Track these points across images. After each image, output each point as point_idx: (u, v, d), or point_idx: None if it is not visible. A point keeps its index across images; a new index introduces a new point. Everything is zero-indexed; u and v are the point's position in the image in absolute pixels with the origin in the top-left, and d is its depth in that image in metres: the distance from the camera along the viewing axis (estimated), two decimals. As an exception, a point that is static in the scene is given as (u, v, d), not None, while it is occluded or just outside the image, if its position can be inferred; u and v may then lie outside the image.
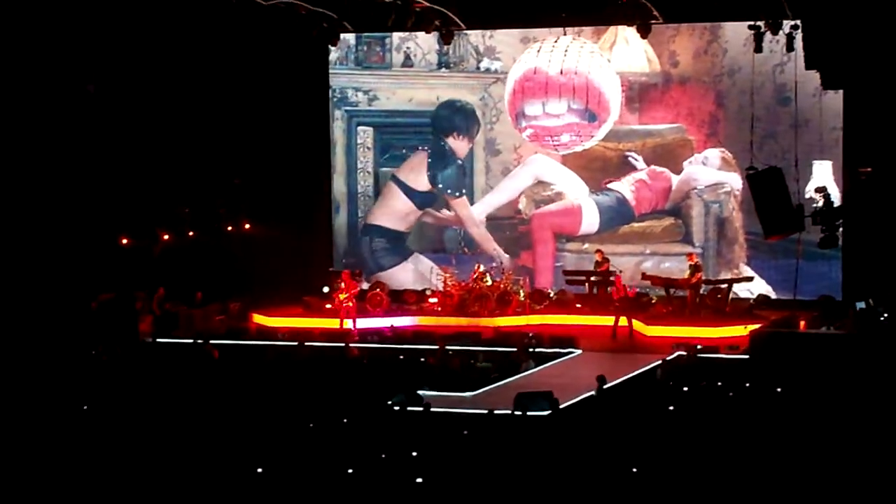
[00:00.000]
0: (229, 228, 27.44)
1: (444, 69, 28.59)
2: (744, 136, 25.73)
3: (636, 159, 27.35)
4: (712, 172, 26.86)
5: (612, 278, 25.52)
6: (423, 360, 20.83)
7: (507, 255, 28.00)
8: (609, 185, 27.58)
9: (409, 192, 28.65)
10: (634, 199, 27.36)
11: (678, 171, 27.07)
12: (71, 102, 25.11)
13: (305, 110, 28.43)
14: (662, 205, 27.33)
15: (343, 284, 24.82)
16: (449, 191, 28.47)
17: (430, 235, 28.76)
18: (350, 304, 24.64)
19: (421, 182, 28.56)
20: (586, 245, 27.57)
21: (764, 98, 26.11)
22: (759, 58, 24.26)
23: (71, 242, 24.68)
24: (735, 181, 26.39)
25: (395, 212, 28.78)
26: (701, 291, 24.84)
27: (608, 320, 24.76)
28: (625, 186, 27.45)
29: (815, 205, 20.59)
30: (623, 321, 24.05)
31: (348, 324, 24.50)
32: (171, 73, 26.05)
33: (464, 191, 28.39)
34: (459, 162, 28.35)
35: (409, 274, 28.59)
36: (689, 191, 27.03)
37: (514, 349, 21.43)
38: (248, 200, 27.72)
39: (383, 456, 13.20)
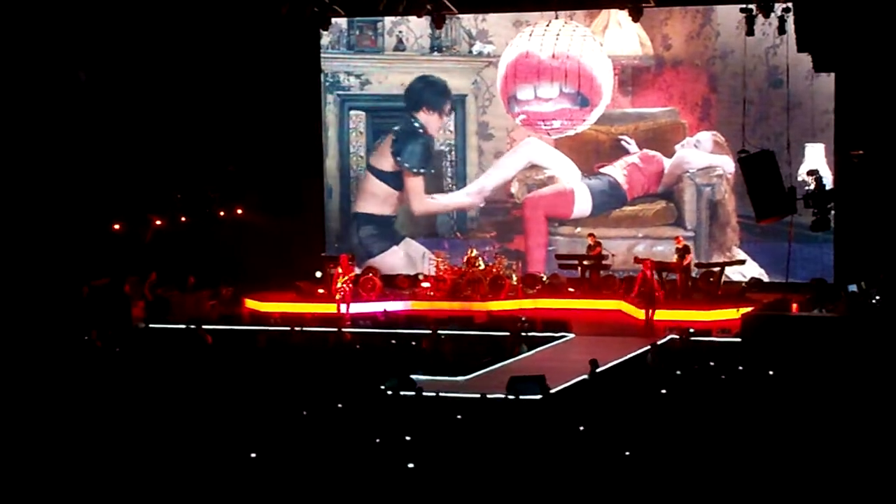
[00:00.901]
0: (221, 213, 27.41)
1: (436, 53, 28.54)
2: (736, 119, 25.63)
3: (629, 143, 27.34)
4: (704, 156, 26.87)
5: (604, 260, 25.46)
6: (413, 343, 20.84)
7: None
8: (601, 170, 27.58)
9: (381, 175, 28.73)
10: (627, 182, 27.36)
11: (671, 155, 27.08)
12: (62, 89, 25.03)
13: (297, 95, 28.35)
14: (655, 188, 27.34)
15: (340, 269, 24.80)
16: (407, 165, 28.47)
17: (419, 219, 28.74)
18: (347, 287, 24.63)
19: (387, 164, 28.66)
20: (579, 229, 27.58)
21: (757, 81, 26.13)
22: (751, 40, 24.24)
23: (63, 228, 24.64)
24: (727, 164, 26.40)
25: (374, 197, 28.82)
26: (692, 274, 24.86)
27: (601, 304, 24.76)
28: (617, 170, 27.45)
29: (807, 188, 20.59)
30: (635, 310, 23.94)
31: (345, 308, 24.53)
32: (162, 58, 25.99)
33: (423, 169, 28.42)
34: (426, 139, 28.34)
35: (399, 259, 28.58)
36: (682, 174, 27.06)
37: (507, 333, 21.43)
38: (240, 185, 27.67)
39: (377, 440, 13.21)
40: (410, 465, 12.21)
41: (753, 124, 25.42)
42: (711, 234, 26.78)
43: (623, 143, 27.37)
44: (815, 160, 24.86)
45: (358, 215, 29.01)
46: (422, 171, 28.52)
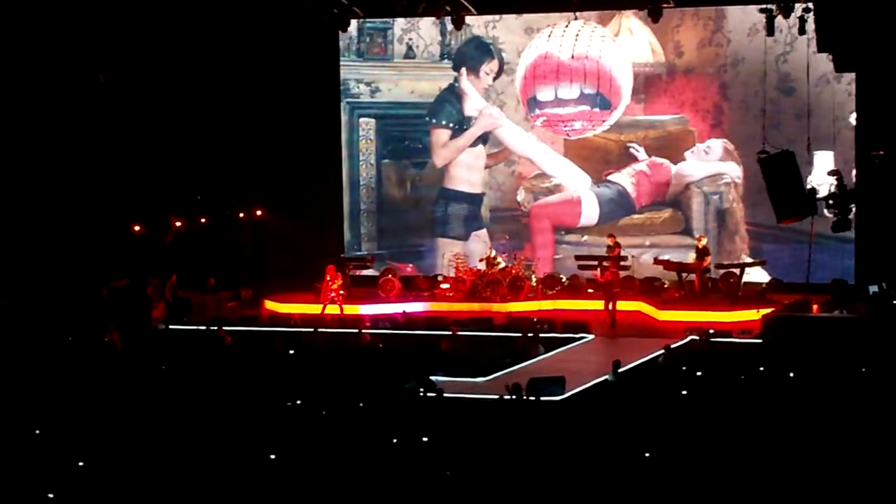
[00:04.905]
0: (241, 215, 27.47)
1: (446, 60, 28.42)
2: (747, 126, 25.79)
3: (637, 150, 27.19)
4: (703, 165, 26.66)
5: (605, 263, 25.18)
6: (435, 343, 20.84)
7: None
8: (609, 177, 27.41)
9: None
10: (635, 190, 27.22)
11: (680, 162, 26.90)
12: (82, 92, 25.14)
13: (316, 97, 28.37)
14: (662, 197, 27.20)
15: (328, 277, 24.84)
16: (434, 120, 28.33)
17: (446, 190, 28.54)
18: (340, 293, 24.81)
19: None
20: (585, 237, 27.47)
21: (768, 88, 25.93)
22: (762, 48, 24.24)
23: (84, 230, 24.74)
24: (732, 170, 26.29)
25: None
26: (707, 275, 24.76)
27: (620, 305, 24.58)
28: (625, 178, 27.30)
29: (831, 188, 20.49)
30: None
31: (333, 310, 24.65)
32: (182, 61, 26.07)
33: (452, 124, 28.16)
34: (459, 99, 28.10)
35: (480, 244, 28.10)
36: (689, 183, 26.90)
37: (519, 335, 21.36)
38: (259, 187, 27.73)
39: (395, 441, 13.21)
40: (430, 465, 12.21)
41: (764, 131, 25.19)
42: (720, 243, 26.49)
43: (632, 150, 27.24)
44: (825, 168, 24.54)
45: (447, 191, 28.64)
46: (450, 125, 28.28)
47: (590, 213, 27.54)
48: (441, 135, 28.33)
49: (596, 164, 27.53)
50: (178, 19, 25.26)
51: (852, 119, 25.24)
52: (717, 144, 26.68)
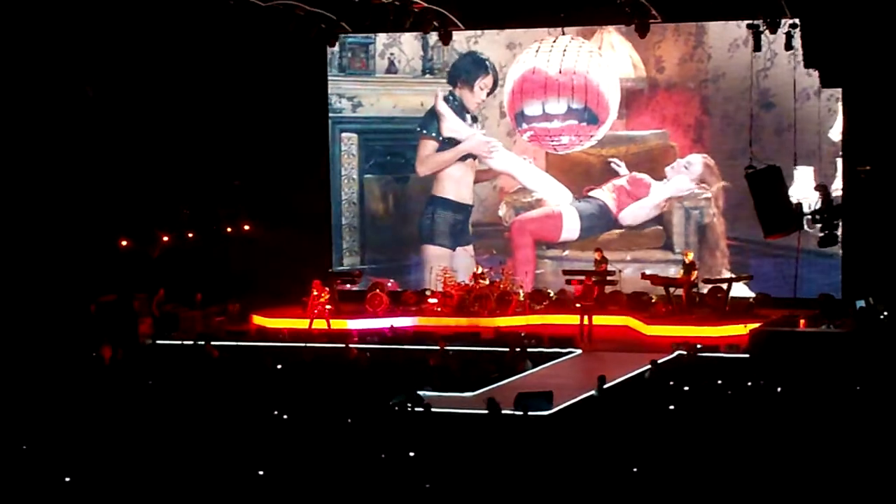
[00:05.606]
0: (229, 230, 27.43)
1: (428, 75, 28.50)
2: (728, 141, 25.89)
3: (619, 165, 27.24)
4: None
5: (610, 276, 25.31)
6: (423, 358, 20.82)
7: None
8: (590, 193, 27.44)
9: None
10: (616, 206, 27.26)
11: (660, 178, 26.97)
12: (69, 105, 25.09)
13: (304, 111, 28.40)
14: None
15: (315, 292, 24.84)
16: (424, 131, 28.37)
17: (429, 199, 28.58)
18: (326, 307, 24.91)
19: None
20: (567, 252, 27.53)
21: (747, 103, 26.01)
22: (743, 63, 24.34)
23: (71, 245, 24.66)
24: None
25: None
26: (694, 290, 24.79)
27: (608, 320, 24.68)
28: (606, 193, 27.34)
29: (811, 203, 20.57)
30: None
31: (321, 324, 24.77)
32: (169, 74, 26.05)
33: (435, 134, 28.22)
34: (438, 120, 28.17)
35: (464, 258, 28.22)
36: (669, 198, 26.96)
37: (507, 349, 21.35)
38: (247, 202, 27.71)
39: (383, 456, 13.19)
40: (418, 480, 12.19)
41: (745, 147, 25.20)
42: (701, 258, 26.34)
43: (613, 165, 27.28)
44: (805, 183, 24.59)
45: (437, 199, 28.64)
46: (438, 138, 28.28)
47: (571, 228, 27.58)
48: (428, 146, 28.39)
49: (577, 179, 27.58)
50: (165, 32, 25.22)
51: (832, 134, 25.33)
52: (697, 160, 26.72)
